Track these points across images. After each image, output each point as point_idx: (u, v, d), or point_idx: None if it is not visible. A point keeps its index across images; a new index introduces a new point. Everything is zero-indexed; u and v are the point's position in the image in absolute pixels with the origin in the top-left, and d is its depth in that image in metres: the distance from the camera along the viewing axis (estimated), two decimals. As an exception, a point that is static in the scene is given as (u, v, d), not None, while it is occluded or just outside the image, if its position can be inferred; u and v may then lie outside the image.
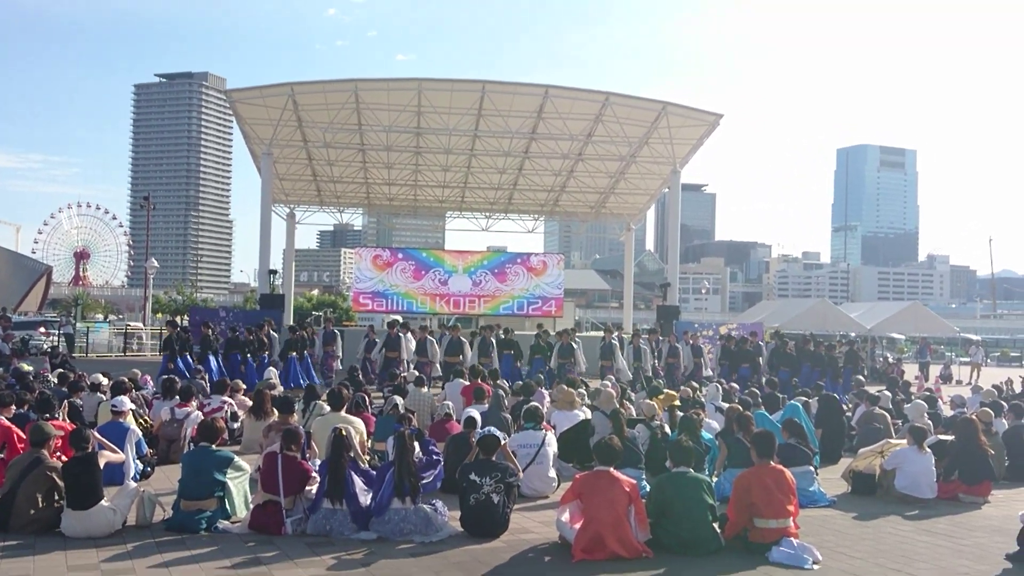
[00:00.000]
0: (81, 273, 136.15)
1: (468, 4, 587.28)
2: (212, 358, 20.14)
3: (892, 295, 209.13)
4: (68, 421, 10.55)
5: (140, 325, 47.41)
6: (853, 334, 36.85)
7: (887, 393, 15.42)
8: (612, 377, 19.39)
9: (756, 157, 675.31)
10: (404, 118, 31.17)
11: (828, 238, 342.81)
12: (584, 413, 12.03)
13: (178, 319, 26.70)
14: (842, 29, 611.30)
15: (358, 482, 8.00)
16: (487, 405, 12.05)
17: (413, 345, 21.55)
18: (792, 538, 7.52)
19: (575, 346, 21.79)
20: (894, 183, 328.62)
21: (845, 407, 14.68)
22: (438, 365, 21.19)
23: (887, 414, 13.70)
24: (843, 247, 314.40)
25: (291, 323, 26.03)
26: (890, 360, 31.75)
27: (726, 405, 12.54)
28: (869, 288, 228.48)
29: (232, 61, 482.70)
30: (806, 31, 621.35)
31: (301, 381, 19.93)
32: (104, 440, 8.94)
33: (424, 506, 7.97)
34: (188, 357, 20.13)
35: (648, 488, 8.75)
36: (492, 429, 8.71)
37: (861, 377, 19.21)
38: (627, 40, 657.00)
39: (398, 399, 11.81)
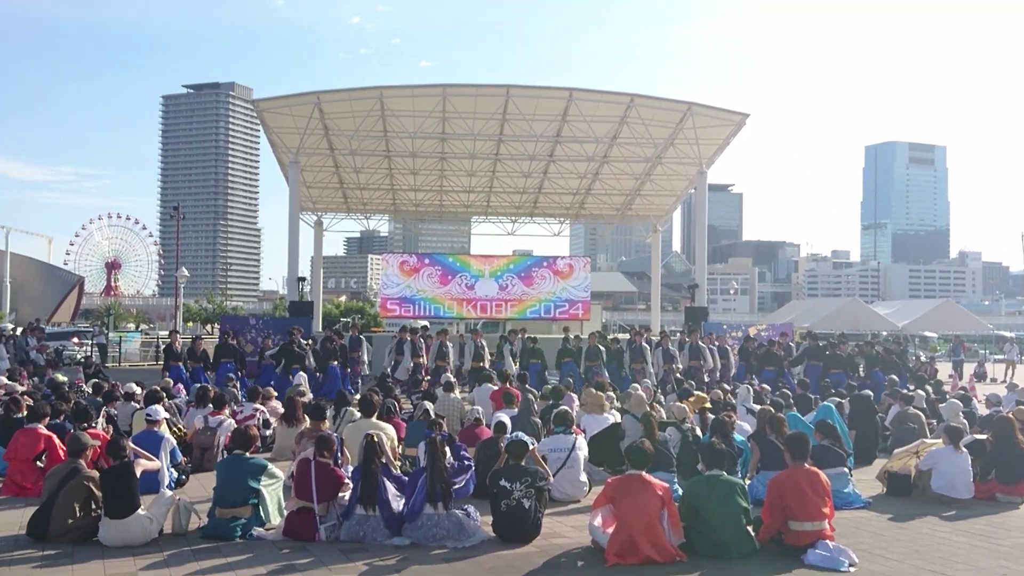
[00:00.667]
0: (112, 283, 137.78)
1: (491, 9, 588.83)
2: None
3: (924, 293, 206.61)
4: (106, 430, 10.71)
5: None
6: (885, 333, 36.48)
7: (921, 392, 15.23)
8: (645, 380, 19.30)
9: (783, 156, 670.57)
10: (429, 124, 31.30)
11: (858, 236, 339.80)
12: (614, 416, 12.01)
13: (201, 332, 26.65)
14: (867, 25, 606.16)
15: (390, 488, 8.03)
16: (516, 409, 12.05)
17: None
18: (827, 540, 7.46)
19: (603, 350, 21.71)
20: (923, 180, 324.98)
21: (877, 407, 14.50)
22: (452, 369, 21.03)
23: (922, 414, 13.53)
24: (873, 245, 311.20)
25: (330, 330, 26.03)
26: (923, 359, 31.35)
27: (758, 407, 12.46)
28: (900, 286, 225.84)
29: (258, 71, 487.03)
30: (831, 28, 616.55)
31: (348, 387, 20.12)
32: (139, 449, 9.05)
33: (456, 511, 7.99)
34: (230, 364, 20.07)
35: (680, 491, 8.71)
36: (520, 434, 8.72)
37: (895, 376, 19.00)
38: (651, 42, 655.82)
39: (428, 404, 11.84)
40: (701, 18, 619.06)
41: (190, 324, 64.31)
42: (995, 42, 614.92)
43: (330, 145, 32.68)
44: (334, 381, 19.94)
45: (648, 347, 21.78)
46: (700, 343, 22.06)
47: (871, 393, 14.87)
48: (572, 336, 23.17)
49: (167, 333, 25.30)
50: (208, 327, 60.01)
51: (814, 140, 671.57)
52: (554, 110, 30.95)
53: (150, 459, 9.02)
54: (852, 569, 7.17)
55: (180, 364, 19.79)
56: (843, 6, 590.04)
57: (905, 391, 14.90)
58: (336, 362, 20.63)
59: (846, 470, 10.06)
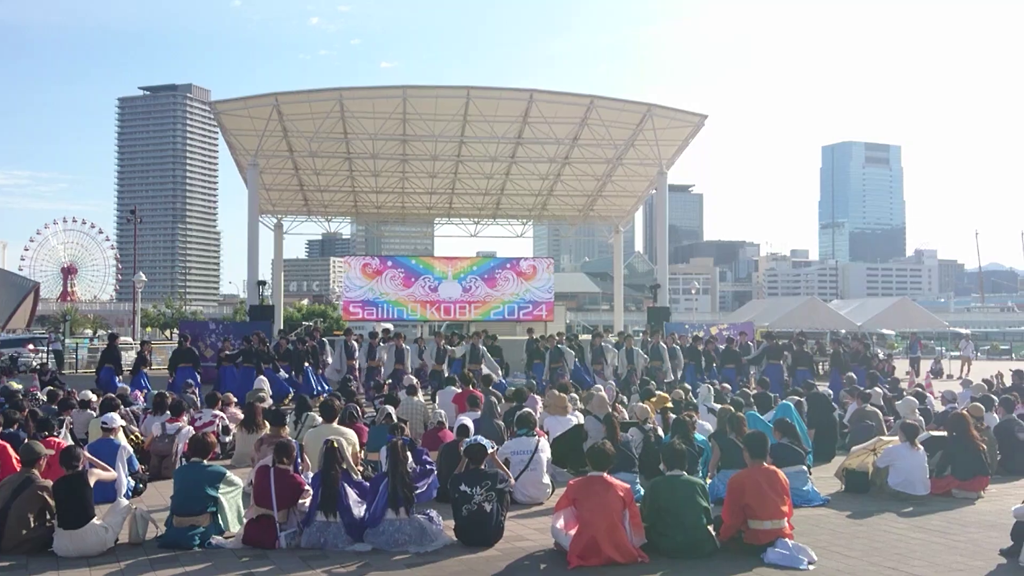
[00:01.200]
0: (69, 289, 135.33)
1: (451, 11, 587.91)
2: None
3: (881, 291, 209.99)
4: (67, 439, 10.52)
5: (129, 340, 47.20)
6: (844, 331, 36.97)
7: (879, 390, 15.45)
8: (608, 381, 19.38)
9: (742, 156, 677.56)
10: (390, 125, 31.14)
11: (816, 235, 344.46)
12: (577, 418, 12.03)
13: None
14: (823, 27, 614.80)
15: (351, 494, 7.97)
16: (480, 412, 12.03)
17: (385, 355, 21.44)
18: (787, 539, 7.53)
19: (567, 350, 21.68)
20: (879, 179, 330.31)
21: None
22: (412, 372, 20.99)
23: (879, 411, 13.74)
24: (831, 244, 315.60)
25: (298, 332, 25.91)
26: (881, 356, 31.83)
27: (719, 406, 12.56)
28: (858, 284, 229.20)
29: (216, 72, 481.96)
30: (787, 29, 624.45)
31: (324, 386, 20.20)
32: (94, 458, 8.89)
33: (419, 516, 7.95)
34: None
35: (642, 492, 8.74)
36: (479, 438, 8.70)
37: (852, 374, 19.25)
38: (612, 44, 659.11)
39: (390, 408, 11.76)
40: (660, 20, 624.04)
41: (148, 329, 63.34)
42: (947, 42, 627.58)
43: (289, 147, 32.37)
44: (308, 382, 20.43)
45: (609, 347, 21.90)
46: (661, 344, 22.18)
47: (829, 391, 15.06)
48: (538, 337, 23.21)
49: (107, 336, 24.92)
50: (167, 332, 59.17)
51: (772, 141, 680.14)
52: (515, 111, 30.96)
53: (106, 469, 8.86)
54: (811, 567, 7.25)
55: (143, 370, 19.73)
56: (799, 8, 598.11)
57: (861, 389, 15.08)
58: (309, 363, 20.94)
59: (805, 468, 10.17)
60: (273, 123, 29.79)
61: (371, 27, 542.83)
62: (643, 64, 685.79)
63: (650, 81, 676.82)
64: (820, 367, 28.95)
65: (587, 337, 26.88)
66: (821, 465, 12.13)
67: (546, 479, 9.95)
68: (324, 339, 23.76)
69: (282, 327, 33.07)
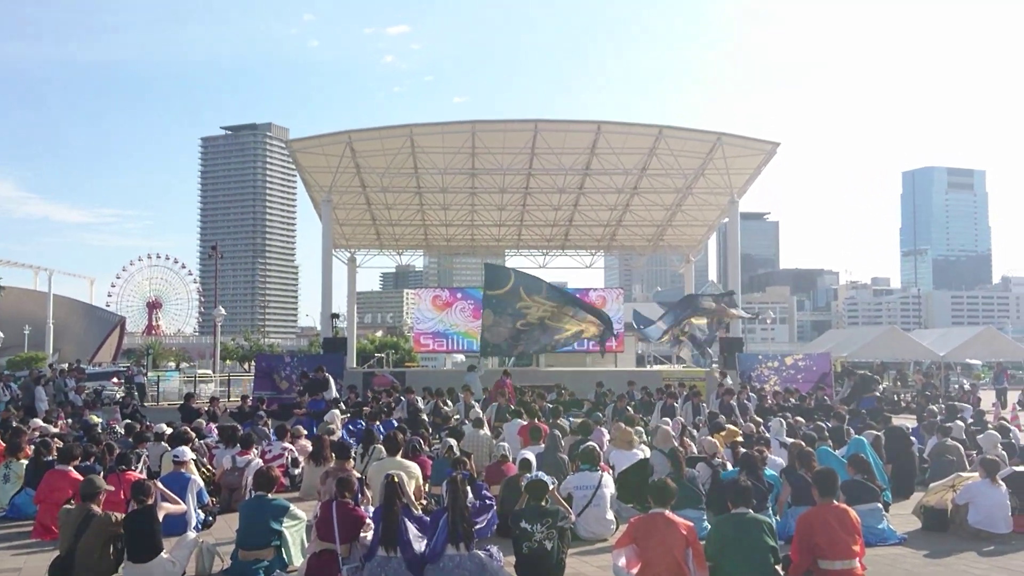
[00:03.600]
0: (154, 322, 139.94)
1: (522, 46, 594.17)
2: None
3: (967, 319, 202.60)
4: (143, 473, 10.81)
5: (210, 372, 48.42)
6: (928, 361, 35.82)
7: (960, 423, 14.88)
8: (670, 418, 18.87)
9: (819, 183, 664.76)
10: (459, 160, 31.56)
11: (898, 263, 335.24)
12: (643, 452, 11.85)
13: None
14: (902, 50, 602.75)
15: (412, 529, 7.96)
16: (543, 446, 11.95)
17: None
18: (859, 580, 7.26)
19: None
20: (963, 204, 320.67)
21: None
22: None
23: (960, 445, 13.22)
24: (913, 271, 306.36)
25: (370, 363, 25.99)
26: (966, 387, 30.71)
27: (790, 440, 12.25)
28: (942, 313, 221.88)
29: (295, 111, 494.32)
30: (864, 52, 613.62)
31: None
32: (166, 490, 9.09)
33: (479, 552, 7.89)
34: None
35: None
36: (540, 474, 8.63)
37: (934, 407, 18.59)
38: (681, 68, 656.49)
39: (452, 441, 11.79)
40: (732, 42, 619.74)
41: (228, 362, 64.94)
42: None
43: (362, 183, 33.04)
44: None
45: (676, 404, 20.58)
46: (732, 403, 20.76)
47: (907, 425, 14.56)
48: (606, 391, 22.64)
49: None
50: (245, 365, 60.56)
51: (851, 166, 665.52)
52: (583, 143, 31.07)
53: (175, 502, 9.05)
54: (884, 609, 6.97)
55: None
56: (875, 31, 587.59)
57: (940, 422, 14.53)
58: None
59: (880, 505, 9.82)
60: (346, 160, 30.49)
61: (443, 64, 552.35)
62: (713, 89, 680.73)
63: (721, 106, 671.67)
64: (901, 399, 28.12)
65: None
66: (899, 502, 11.70)
67: (610, 515, 9.80)
68: (401, 397, 22.63)
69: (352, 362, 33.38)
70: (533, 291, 20.78)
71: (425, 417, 18.26)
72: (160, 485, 9.12)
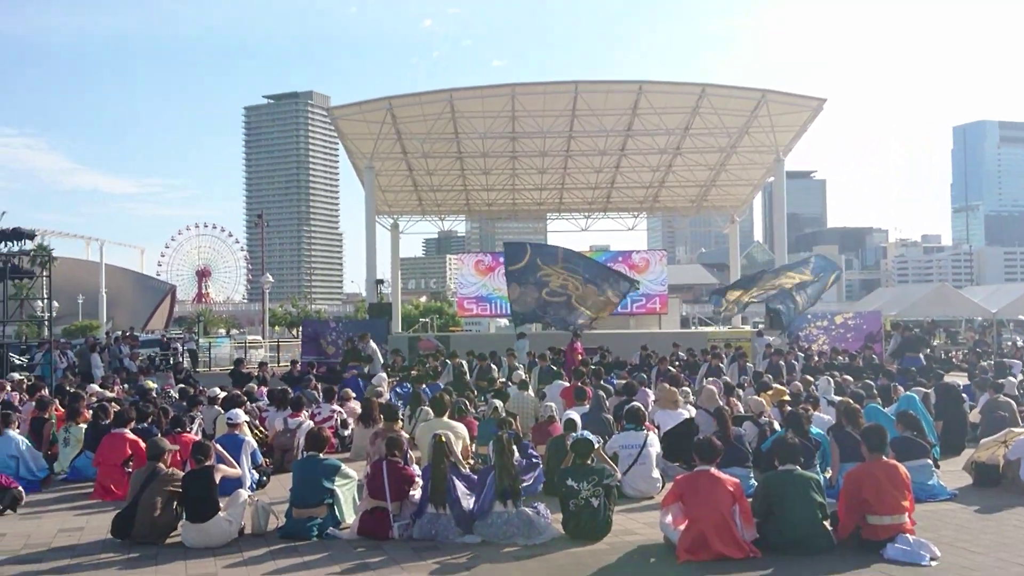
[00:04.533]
0: (203, 290, 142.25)
1: (559, 6, 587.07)
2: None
3: (1020, 276, 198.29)
4: (199, 435, 11.11)
5: (259, 338, 49.20)
6: (979, 318, 35.15)
7: (1012, 379, 14.65)
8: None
9: (867, 140, 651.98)
10: (499, 123, 31.44)
11: (948, 219, 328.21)
12: (688, 412, 11.86)
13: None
14: (949, 3, 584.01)
15: (460, 487, 8.11)
16: (588, 406, 12.01)
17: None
18: (908, 534, 7.23)
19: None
20: (1016, 159, 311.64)
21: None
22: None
23: (1012, 401, 13.01)
24: (965, 228, 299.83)
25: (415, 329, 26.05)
26: (1018, 344, 30.12)
27: (838, 399, 12.16)
28: (995, 270, 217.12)
29: (335, 78, 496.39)
30: (914, 5, 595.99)
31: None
32: (223, 452, 9.31)
33: (526, 509, 8.01)
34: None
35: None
36: (586, 433, 8.70)
37: (986, 364, 18.31)
38: (724, 31, 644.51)
39: (497, 402, 11.90)
40: (779, 3, 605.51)
41: (276, 328, 65.90)
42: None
43: (403, 149, 33.12)
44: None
45: (722, 365, 20.41)
46: (780, 363, 20.04)
47: (959, 383, 14.37)
48: (651, 352, 22.52)
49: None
50: (293, 331, 61.40)
51: (899, 122, 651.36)
52: (624, 104, 30.75)
53: (233, 466, 9.27)
54: (934, 563, 6.94)
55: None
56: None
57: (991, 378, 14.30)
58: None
59: (930, 462, 9.73)
60: (387, 126, 30.54)
61: (481, 27, 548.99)
62: (758, 49, 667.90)
63: (766, 66, 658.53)
64: (954, 357, 27.67)
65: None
66: (950, 459, 11.59)
67: (655, 473, 9.85)
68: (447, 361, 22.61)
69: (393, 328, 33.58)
70: (549, 261, 21.56)
71: (471, 380, 18.41)
72: (218, 447, 9.35)
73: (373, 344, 22.49)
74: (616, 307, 23.56)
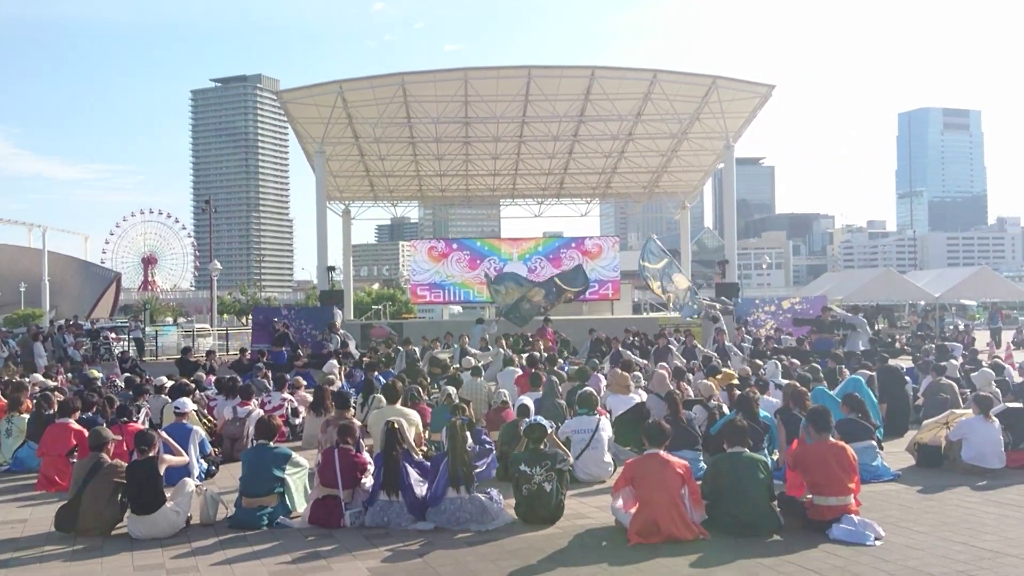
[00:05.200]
0: (150, 278, 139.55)
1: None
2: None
3: (963, 261, 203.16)
4: (145, 425, 10.92)
5: (207, 327, 48.47)
6: (922, 302, 35.98)
7: (954, 362, 15.01)
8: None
9: (814, 127, 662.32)
10: (452, 108, 31.28)
11: (893, 205, 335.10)
12: (639, 396, 11.97)
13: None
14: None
15: (412, 473, 8.08)
16: (541, 392, 12.05)
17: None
18: (853, 515, 7.38)
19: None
20: (959, 146, 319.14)
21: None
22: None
23: (954, 384, 13.35)
24: (909, 214, 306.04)
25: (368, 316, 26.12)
26: (960, 327, 30.91)
27: (785, 382, 12.36)
28: (938, 255, 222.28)
29: (285, 62, 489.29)
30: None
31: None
32: (169, 439, 9.17)
33: (479, 495, 8.02)
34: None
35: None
36: (538, 418, 8.72)
37: (929, 347, 18.72)
38: (674, 18, 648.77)
39: (451, 389, 11.89)
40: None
41: (225, 316, 64.99)
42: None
43: (355, 134, 32.78)
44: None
45: (673, 349, 20.73)
46: (728, 343, 20.54)
47: (902, 365, 14.69)
48: (603, 337, 22.70)
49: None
50: (243, 319, 60.64)
51: (846, 109, 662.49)
52: (576, 89, 30.79)
53: (179, 453, 9.13)
54: (878, 543, 7.09)
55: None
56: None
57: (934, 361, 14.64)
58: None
59: (874, 443, 9.94)
60: (338, 110, 30.20)
61: (434, 10, 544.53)
62: (708, 37, 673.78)
63: (716, 54, 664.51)
64: (897, 340, 28.26)
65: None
66: (893, 440, 11.85)
67: (607, 458, 9.93)
68: (399, 348, 22.06)
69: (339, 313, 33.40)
70: (504, 281, 23.93)
71: (423, 367, 18.34)
72: (164, 434, 9.20)
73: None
74: (573, 296, 24.44)
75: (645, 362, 17.97)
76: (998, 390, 12.38)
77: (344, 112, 30.82)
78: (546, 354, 18.25)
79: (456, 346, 20.36)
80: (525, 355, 17.05)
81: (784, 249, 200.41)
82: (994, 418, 9.93)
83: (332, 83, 30.13)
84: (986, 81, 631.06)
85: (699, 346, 20.76)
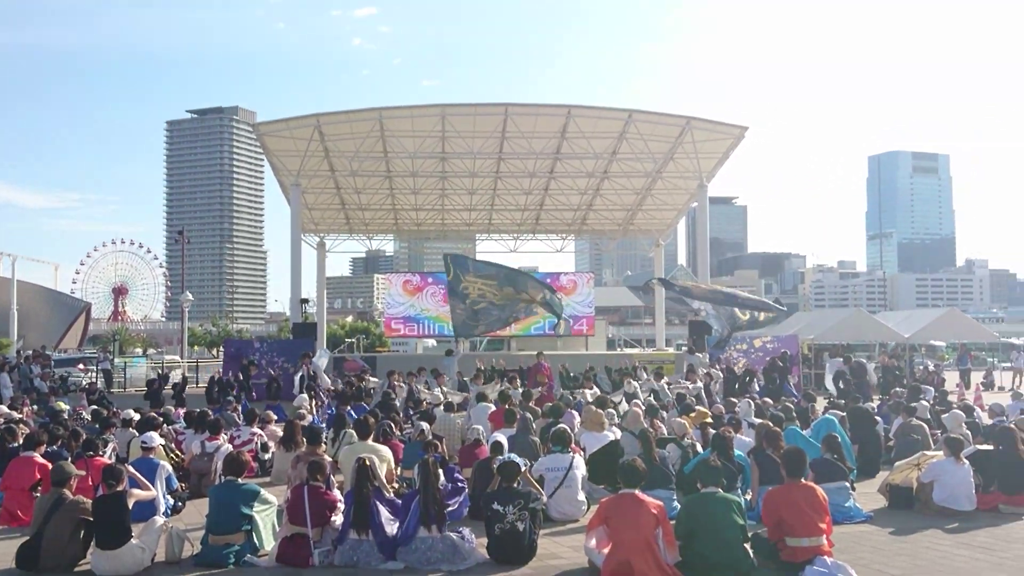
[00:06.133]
0: (120, 308, 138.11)
1: (491, 28, 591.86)
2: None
3: (931, 302, 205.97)
4: (112, 459, 10.69)
5: (177, 358, 47.90)
6: (892, 343, 36.23)
7: (924, 403, 15.11)
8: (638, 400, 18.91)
9: (787, 168, 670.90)
10: (429, 144, 31.42)
11: (864, 246, 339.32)
12: (613, 434, 11.92)
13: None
14: (866, 36, 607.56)
15: (383, 512, 7.97)
16: (515, 429, 11.97)
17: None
18: (825, 556, 7.35)
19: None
20: (928, 188, 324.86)
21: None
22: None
23: (925, 424, 13.41)
24: (879, 255, 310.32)
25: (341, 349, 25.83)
26: (930, 368, 31.16)
27: (758, 421, 12.37)
28: (907, 295, 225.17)
29: (262, 94, 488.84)
30: (829, 39, 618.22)
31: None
32: (137, 474, 8.99)
33: (451, 534, 7.92)
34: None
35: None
36: (512, 456, 8.65)
37: (900, 389, 18.84)
38: (649, 58, 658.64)
39: (424, 425, 11.79)
40: (699, 33, 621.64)
41: (195, 348, 64.32)
42: (995, 48, 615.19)
43: (331, 167, 32.79)
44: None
45: (638, 386, 20.64)
46: (698, 383, 20.81)
47: (873, 405, 14.77)
48: (573, 375, 22.78)
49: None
50: (213, 351, 60.03)
51: (817, 151, 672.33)
52: (553, 127, 31.03)
53: (147, 488, 8.96)
54: (851, 585, 7.07)
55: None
56: (840, 17, 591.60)
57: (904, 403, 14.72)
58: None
59: (847, 484, 9.95)
60: (315, 143, 30.22)
61: (412, 47, 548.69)
62: (682, 78, 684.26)
63: (689, 95, 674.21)
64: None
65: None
66: (865, 480, 11.88)
67: (581, 496, 9.85)
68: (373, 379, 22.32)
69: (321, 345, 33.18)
70: (465, 271, 21.71)
71: (398, 402, 18.17)
72: (131, 469, 9.03)
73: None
74: (543, 310, 23.35)
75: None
76: (968, 432, 12.46)
77: (321, 145, 30.84)
78: (521, 390, 18.12)
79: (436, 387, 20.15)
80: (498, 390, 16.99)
81: (756, 288, 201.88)
82: (965, 460, 9.98)
83: (309, 116, 30.17)
84: (955, 125, 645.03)
85: (664, 386, 20.59)
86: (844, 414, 13.51)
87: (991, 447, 10.76)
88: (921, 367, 32.82)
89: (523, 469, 8.54)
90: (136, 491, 8.48)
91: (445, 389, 19.62)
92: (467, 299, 21.44)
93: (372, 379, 22.28)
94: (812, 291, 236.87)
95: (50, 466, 9.65)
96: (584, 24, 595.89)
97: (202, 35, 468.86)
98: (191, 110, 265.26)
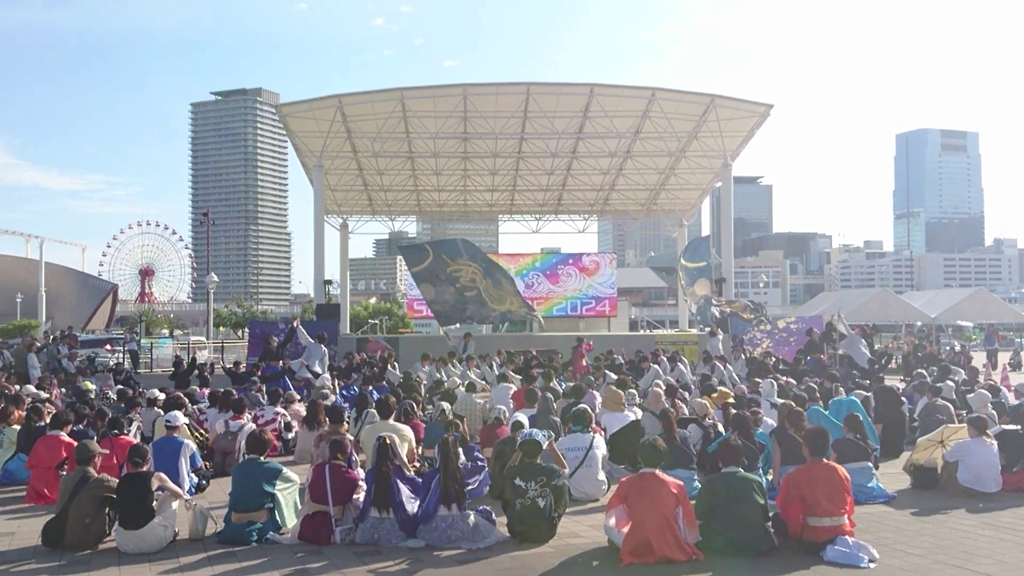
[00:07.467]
0: (146, 290, 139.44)
1: (513, 8, 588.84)
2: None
3: (959, 282, 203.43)
4: (137, 438, 10.82)
5: (203, 339, 48.34)
6: (919, 323, 35.95)
7: (950, 383, 14.96)
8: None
9: (813, 146, 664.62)
10: (451, 124, 31.34)
11: (890, 226, 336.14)
12: (634, 414, 11.91)
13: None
14: (895, 11, 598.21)
15: (404, 490, 8.01)
16: (536, 409, 11.99)
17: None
18: (847, 536, 7.32)
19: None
20: (956, 167, 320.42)
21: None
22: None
23: (950, 405, 13.28)
24: (906, 234, 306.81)
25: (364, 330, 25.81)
26: (956, 348, 30.86)
27: (781, 401, 12.30)
28: (934, 275, 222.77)
29: (285, 76, 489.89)
30: (858, 14, 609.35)
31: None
32: (167, 481, 8.61)
33: (471, 512, 7.95)
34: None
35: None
36: (534, 432, 8.64)
37: (923, 370, 18.66)
38: (675, 36, 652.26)
39: (445, 405, 11.82)
40: (724, 9, 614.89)
41: (221, 329, 64.87)
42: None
43: (353, 148, 32.83)
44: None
45: (660, 367, 20.62)
46: (719, 365, 20.77)
47: (897, 385, 14.64)
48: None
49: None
50: (239, 332, 60.54)
51: (844, 129, 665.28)
52: (575, 106, 30.86)
53: (177, 493, 8.74)
54: (872, 565, 7.03)
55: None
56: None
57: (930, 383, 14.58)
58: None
59: (870, 464, 9.88)
60: (337, 124, 30.25)
61: (434, 26, 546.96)
62: (706, 55, 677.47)
63: (714, 73, 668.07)
64: (895, 361, 28.23)
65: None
66: (889, 461, 11.79)
67: (601, 476, 9.85)
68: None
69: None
70: (454, 255, 21.43)
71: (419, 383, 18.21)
72: (164, 477, 8.76)
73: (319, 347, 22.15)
74: (519, 308, 23.01)
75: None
76: (994, 412, 12.32)
77: (343, 126, 30.87)
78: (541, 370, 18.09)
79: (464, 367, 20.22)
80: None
81: (781, 268, 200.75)
82: (990, 440, 9.87)
83: (331, 97, 30.20)
84: (984, 103, 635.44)
85: (684, 368, 20.53)
86: (868, 394, 13.40)
87: (1017, 427, 10.64)
88: (948, 347, 32.54)
89: (548, 442, 8.53)
90: (165, 477, 8.44)
91: (478, 371, 19.69)
92: (457, 283, 21.25)
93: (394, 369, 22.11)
94: (838, 271, 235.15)
95: (76, 444, 9.81)
96: (607, 6, 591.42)
97: (225, 17, 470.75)
98: (215, 92, 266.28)
